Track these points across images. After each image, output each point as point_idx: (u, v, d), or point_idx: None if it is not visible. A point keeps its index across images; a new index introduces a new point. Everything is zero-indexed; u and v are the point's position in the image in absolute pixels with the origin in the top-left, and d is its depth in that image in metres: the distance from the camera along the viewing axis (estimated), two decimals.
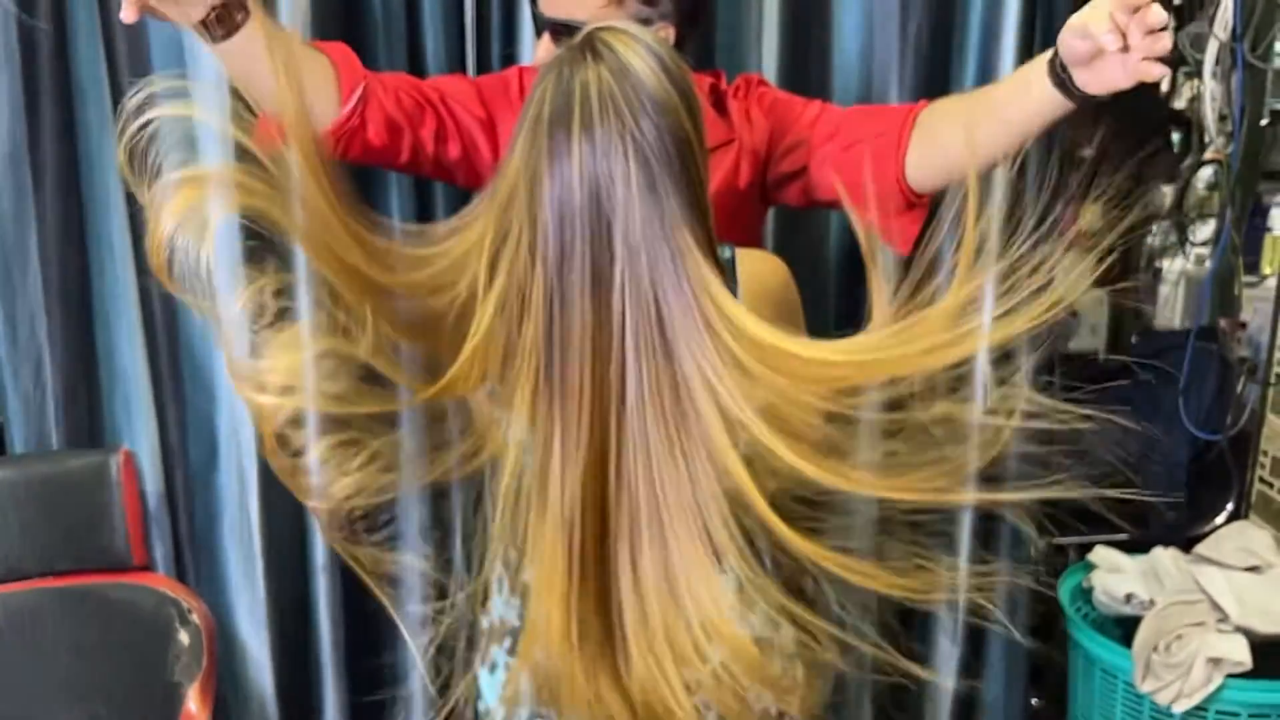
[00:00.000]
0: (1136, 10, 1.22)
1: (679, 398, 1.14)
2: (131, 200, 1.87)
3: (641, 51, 1.13)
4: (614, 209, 1.11)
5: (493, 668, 1.44)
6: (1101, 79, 1.30)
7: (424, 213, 1.96)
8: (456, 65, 1.90)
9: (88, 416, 1.99)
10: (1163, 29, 1.23)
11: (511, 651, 1.39)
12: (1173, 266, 2.85)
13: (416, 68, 1.88)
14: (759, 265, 1.30)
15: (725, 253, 1.26)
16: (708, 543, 1.18)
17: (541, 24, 1.50)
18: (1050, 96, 1.36)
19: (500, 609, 1.42)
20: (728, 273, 1.25)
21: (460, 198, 1.93)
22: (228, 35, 1.38)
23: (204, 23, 1.36)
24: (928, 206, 1.55)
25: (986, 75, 1.96)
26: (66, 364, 1.95)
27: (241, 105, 1.81)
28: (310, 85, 1.44)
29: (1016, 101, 1.40)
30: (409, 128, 1.53)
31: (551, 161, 1.11)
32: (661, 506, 1.17)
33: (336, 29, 1.84)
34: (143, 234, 1.84)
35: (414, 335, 1.22)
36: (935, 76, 1.96)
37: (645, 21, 1.45)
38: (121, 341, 1.97)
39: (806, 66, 1.96)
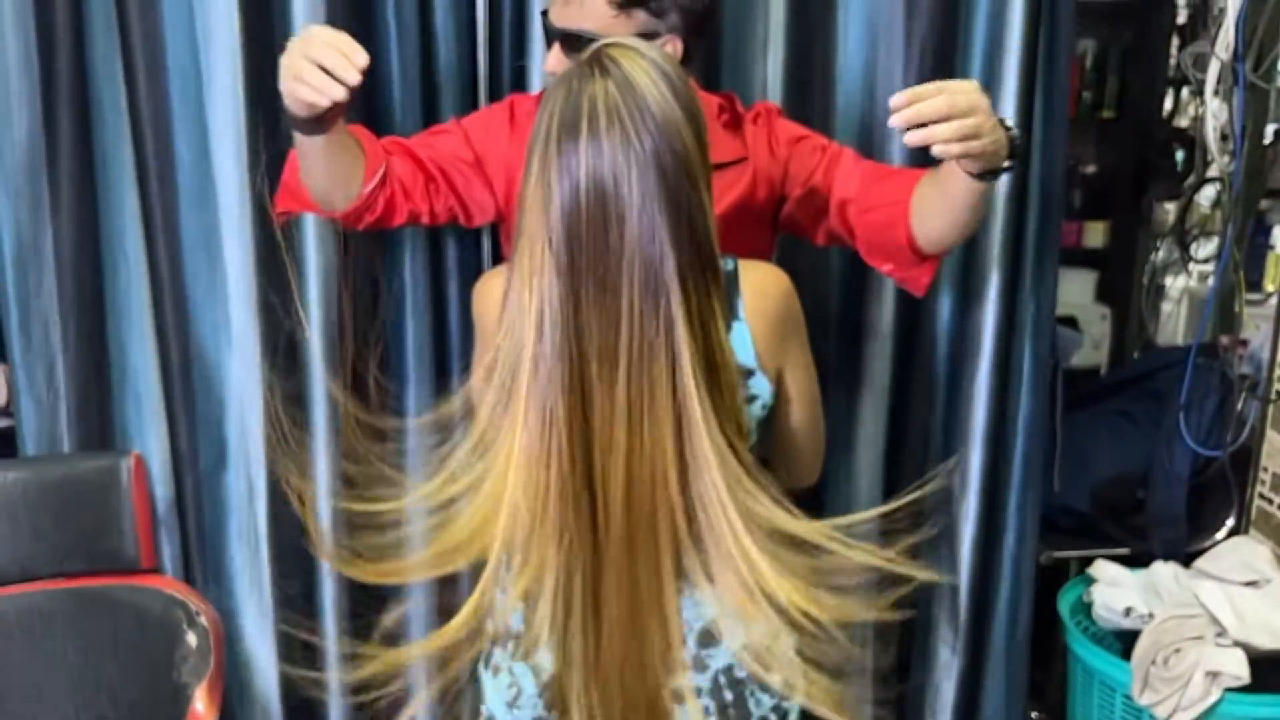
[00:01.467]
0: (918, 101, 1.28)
1: (654, 411, 1.19)
2: (146, 206, 1.90)
3: (647, 68, 1.16)
4: (617, 217, 1.14)
5: (496, 671, 1.45)
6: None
7: (435, 254, 2.00)
8: (468, 77, 1.93)
9: (99, 420, 2.00)
10: (942, 119, 1.29)
11: (515, 655, 1.41)
12: (1175, 283, 2.87)
13: (429, 80, 1.91)
14: (761, 276, 1.32)
15: (728, 264, 1.29)
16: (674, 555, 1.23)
17: (552, 34, 1.53)
18: (962, 175, 1.42)
19: (504, 613, 1.44)
20: (730, 283, 1.28)
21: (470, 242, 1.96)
22: (330, 127, 1.45)
23: (317, 117, 1.43)
24: (939, 259, 1.64)
25: (989, 91, 1.98)
26: (79, 368, 1.97)
27: (255, 113, 1.86)
28: (351, 172, 1.56)
29: (950, 178, 1.47)
30: (403, 193, 1.62)
31: (560, 170, 1.15)
32: (646, 513, 1.22)
33: None
34: (156, 239, 1.88)
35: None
36: None
37: (652, 34, 1.48)
38: (133, 346, 1.99)
39: (810, 81, 1.98)
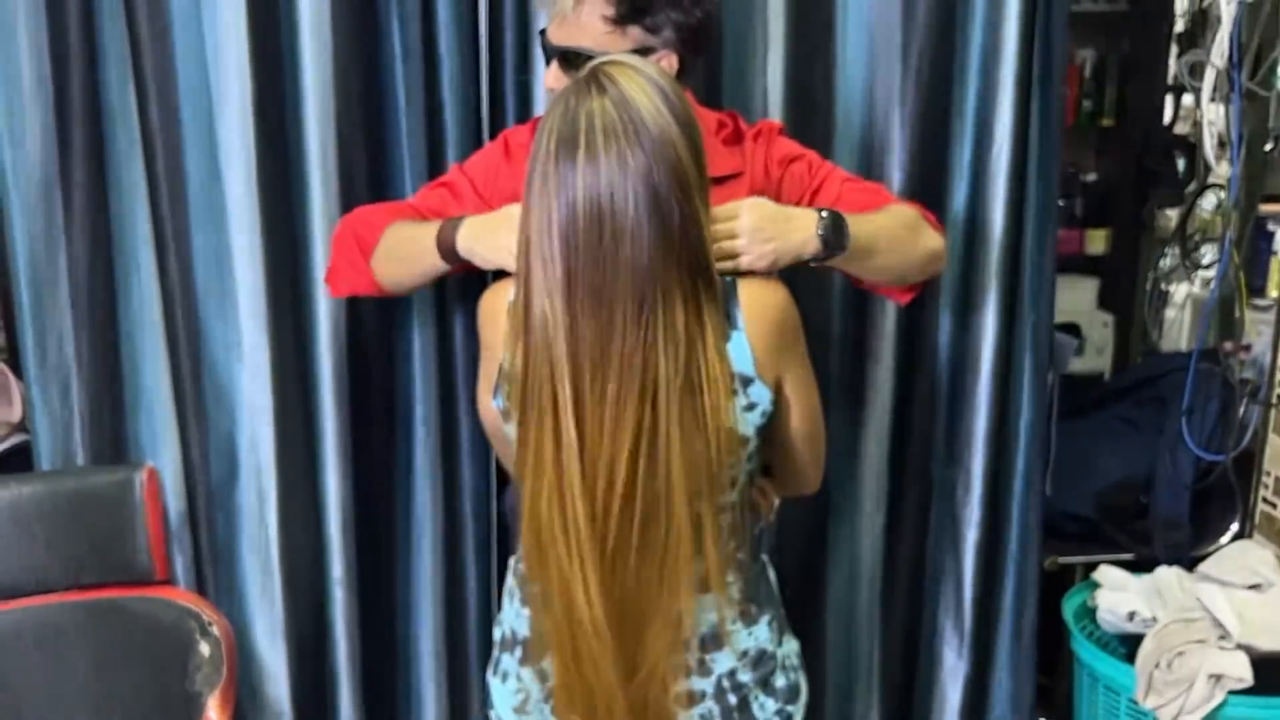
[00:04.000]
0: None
1: (633, 420, 1.22)
2: (158, 223, 1.93)
3: (643, 84, 1.19)
4: (613, 232, 1.17)
5: (504, 677, 1.47)
6: None
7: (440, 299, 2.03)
8: (471, 93, 1.95)
9: (112, 434, 2.03)
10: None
11: (523, 661, 1.43)
12: (1179, 290, 2.88)
13: (433, 95, 1.93)
14: (759, 287, 1.34)
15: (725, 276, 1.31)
16: (690, 559, 1.25)
17: (550, 52, 1.56)
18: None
19: (511, 619, 1.46)
20: (729, 294, 1.30)
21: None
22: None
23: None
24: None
25: (986, 102, 2.01)
26: (93, 383, 1.99)
27: (264, 132, 1.88)
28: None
29: None
30: None
31: (559, 187, 1.18)
32: (638, 521, 1.24)
33: (357, 58, 1.90)
34: (168, 256, 1.91)
35: None
36: (936, 102, 2.01)
37: (648, 49, 1.51)
38: (146, 361, 2.02)
39: (810, 93, 2.00)
